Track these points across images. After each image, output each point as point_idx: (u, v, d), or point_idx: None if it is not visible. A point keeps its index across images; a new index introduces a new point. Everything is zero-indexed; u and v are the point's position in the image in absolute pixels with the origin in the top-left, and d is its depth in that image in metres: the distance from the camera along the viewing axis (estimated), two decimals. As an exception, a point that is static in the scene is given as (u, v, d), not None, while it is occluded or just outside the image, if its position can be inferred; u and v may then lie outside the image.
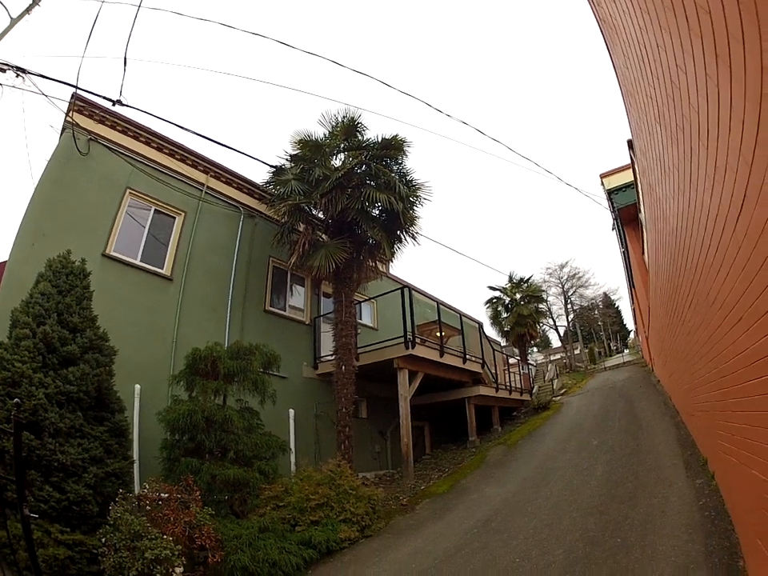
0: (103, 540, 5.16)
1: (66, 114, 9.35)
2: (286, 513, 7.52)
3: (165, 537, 5.36)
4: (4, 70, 7.59)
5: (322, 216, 12.30)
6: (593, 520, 6.42)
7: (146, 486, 6.19)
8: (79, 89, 8.50)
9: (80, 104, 9.51)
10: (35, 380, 5.36)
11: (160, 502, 6.00)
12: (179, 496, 6.16)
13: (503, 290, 32.56)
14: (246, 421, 8.05)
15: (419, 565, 6.19)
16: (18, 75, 7.69)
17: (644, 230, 11.25)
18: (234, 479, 7.19)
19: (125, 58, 8.12)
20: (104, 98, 8.43)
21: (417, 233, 12.50)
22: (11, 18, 7.79)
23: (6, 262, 8.39)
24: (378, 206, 11.75)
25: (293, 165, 12.13)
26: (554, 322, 50.18)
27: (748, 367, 3.20)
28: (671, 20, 2.59)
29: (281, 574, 6.09)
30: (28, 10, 8.06)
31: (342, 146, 12.15)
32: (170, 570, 5.24)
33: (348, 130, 11.92)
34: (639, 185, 9.64)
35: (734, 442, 4.28)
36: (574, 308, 51.03)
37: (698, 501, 5.99)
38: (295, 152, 12.18)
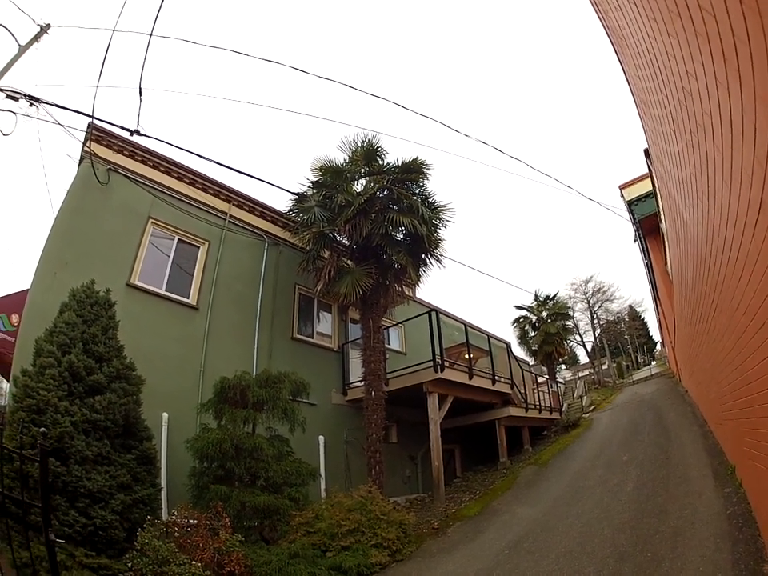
0: (129, 565, 5.19)
1: (84, 144, 9.47)
2: (317, 538, 7.47)
3: (193, 563, 5.39)
4: (17, 99, 7.73)
5: (346, 242, 12.37)
6: (623, 536, 6.32)
7: (175, 512, 6.24)
8: (95, 118, 8.58)
9: (97, 134, 9.65)
10: (61, 408, 5.47)
11: (189, 529, 6.05)
12: (208, 522, 6.20)
13: (529, 309, 32.39)
14: (275, 448, 8.09)
15: (452, 587, 6.11)
16: (31, 104, 7.83)
17: (665, 239, 11.16)
18: (264, 506, 7.20)
19: (140, 88, 8.22)
20: (121, 127, 8.46)
21: (441, 255, 12.53)
22: (19, 45, 8.01)
23: (28, 290, 8.61)
24: (402, 230, 11.80)
25: (315, 191, 12.23)
26: (581, 338, 49.62)
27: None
28: (678, 26, 2.61)
29: (311, 599, 6.05)
30: (37, 38, 8.28)
31: (363, 170, 12.28)
32: (199, 595, 5.26)
33: (368, 154, 12.05)
34: (658, 193, 9.58)
35: (760, 449, 4.26)
36: (600, 323, 50.39)
37: (726, 510, 5.93)
38: (316, 178, 12.32)
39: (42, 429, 3.16)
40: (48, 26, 8.64)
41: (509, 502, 10.12)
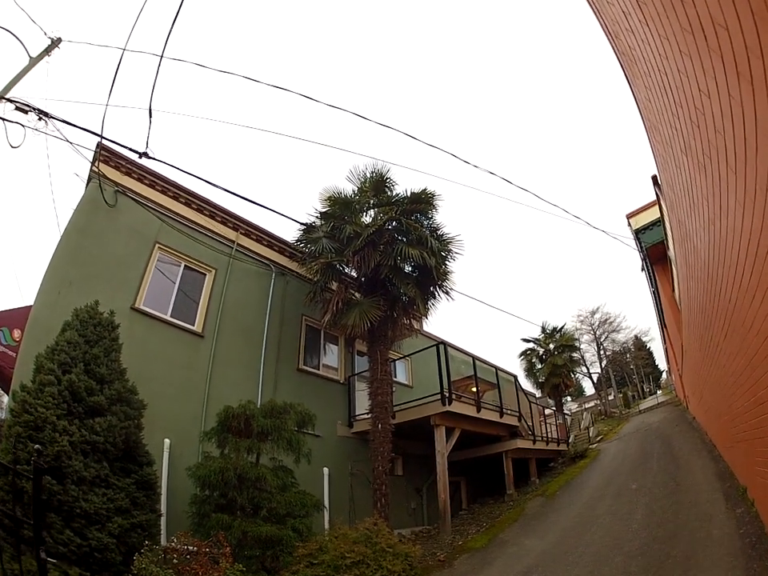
0: None
1: (92, 164, 9.47)
2: (320, 570, 7.24)
3: (191, 591, 5.28)
4: (26, 111, 7.74)
5: (354, 274, 12.37)
6: (635, 563, 6.23)
7: (174, 539, 6.11)
8: (104, 138, 8.52)
9: (106, 154, 9.68)
10: (59, 427, 5.40)
11: (188, 556, 5.91)
12: (208, 550, 6.07)
13: (536, 341, 32.29)
14: (279, 479, 7.98)
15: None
16: (40, 118, 7.82)
17: (673, 266, 11.19)
18: (267, 537, 7.04)
19: (150, 110, 8.16)
20: (130, 149, 8.46)
21: (450, 288, 12.52)
22: (30, 57, 8.07)
23: (31, 306, 8.60)
24: (410, 262, 11.78)
25: (323, 222, 12.28)
26: (588, 369, 49.39)
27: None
28: (690, 42, 2.62)
29: (313, 633, 5.87)
30: (47, 51, 8.33)
31: (372, 201, 12.36)
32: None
33: (377, 185, 12.17)
34: (667, 220, 9.65)
35: None
36: (607, 353, 50.10)
37: (738, 529, 5.88)
38: (324, 209, 12.40)
39: (37, 446, 3.12)
40: (59, 39, 8.71)
41: (516, 533, 9.91)
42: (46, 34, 8.58)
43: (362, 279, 12.24)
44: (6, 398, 10.89)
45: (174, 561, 5.72)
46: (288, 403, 8.67)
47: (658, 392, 46.52)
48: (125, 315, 8.56)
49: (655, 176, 9.48)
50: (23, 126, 7.72)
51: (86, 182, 9.93)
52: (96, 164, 9.35)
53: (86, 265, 9.00)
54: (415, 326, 13.90)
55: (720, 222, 3.71)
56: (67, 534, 4.96)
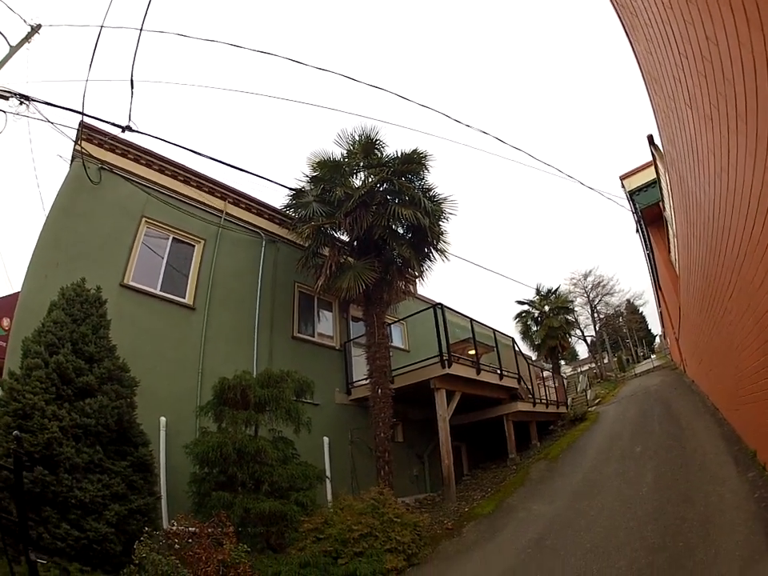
0: None
1: (75, 143, 9.25)
2: (328, 545, 7.09)
3: (196, 578, 5.02)
4: (7, 98, 7.60)
5: (345, 238, 12.18)
6: (650, 527, 6.09)
7: (175, 522, 5.85)
8: (86, 115, 8.48)
9: (89, 132, 9.43)
10: (48, 412, 5.11)
11: (190, 540, 5.65)
12: (210, 531, 5.80)
13: (531, 303, 32.26)
14: (280, 451, 7.72)
15: (474, 592, 5.77)
16: (21, 103, 7.69)
17: (670, 227, 11.08)
18: (270, 512, 6.80)
19: (131, 80, 8.05)
20: (113, 124, 8.36)
21: (445, 249, 12.28)
22: (10, 45, 7.89)
23: (18, 293, 8.37)
24: (404, 223, 11.57)
25: (312, 186, 12.00)
26: (582, 332, 49.46)
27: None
28: None
29: (325, 611, 5.66)
30: (27, 38, 8.20)
31: (362, 164, 12.03)
32: (206, 613, 4.88)
33: (366, 147, 11.81)
34: (664, 180, 9.47)
35: None
36: (600, 317, 50.39)
37: (753, 494, 5.73)
38: (314, 173, 12.08)
39: (15, 432, 2.79)
40: (39, 26, 8.63)
41: (523, 498, 9.81)
42: (26, 21, 8.45)
43: (355, 243, 12.08)
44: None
45: (177, 546, 5.46)
46: (285, 371, 8.38)
47: (653, 356, 47.11)
48: (114, 293, 8.25)
49: (650, 136, 9.29)
50: (4, 112, 7.65)
51: (69, 161, 9.65)
52: (79, 142, 9.13)
53: (73, 245, 8.73)
54: (411, 289, 13.82)
55: (728, 174, 3.65)
56: (64, 527, 4.68)
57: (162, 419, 8.28)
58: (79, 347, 5.80)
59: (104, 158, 9.69)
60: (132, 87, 8.09)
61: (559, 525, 7.51)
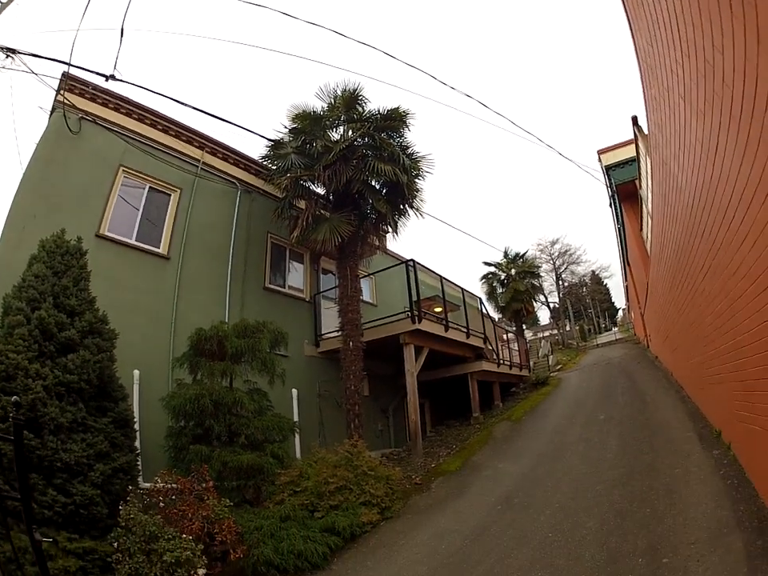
0: (116, 545, 4.77)
1: (57, 93, 8.94)
2: (304, 498, 7.18)
3: (183, 536, 4.97)
4: None
5: (322, 191, 12.03)
6: (617, 492, 6.30)
7: (158, 479, 5.78)
8: (72, 65, 8.25)
9: (71, 83, 9.10)
10: (31, 371, 4.90)
11: (173, 497, 5.61)
12: (193, 487, 5.77)
13: (498, 266, 32.37)
14: (255, 403, 7.68)
15: (449, 545, 5.96)
16: (7, 56, 7.42)
17: (644, 205, 11.26)
18: (248, 465, 6.81)
19: (122, 29, 7.81)
20: (97, 73, 8.16)
21: (420, 206, 12.29)
22: (1, 2, 7.30)
23: None
24: (382, 179, 11.43)
25: (292, 138, 11.72)
26: (546, 298, 50.38)
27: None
28: (712, 3, 2.63)
29: (307, 564, 5.75)
30: None
31: (343, 117, 11.75)
32: (192, 572, 4.86)
33: (348, 102, 11.50)
34: (643, 160, 9.57)
35: (754, 410, 4.30)
36: (565, 285, 51.32)
37: (718, 470, 5.90)
38: (294, 125, 11.75)
39: (14, 398, 2.60)
40: None
41: (489, 457, 10.11)
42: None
43: (331, 196, 11.94)
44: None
45: (161, 504, 5.42)
46: (261, 322, 8.34)
47: (615, 329, 48.30)
48: (90, 243, 7.83)
49: (635, 117, 9.36)
50: None
51: (50, 112, 9.28)
52: (61, 92, 8.81)
53: (50, 196, 8.42)
54: (384, 244, 14.09)
55: (713, 166, 3.76)
56: (50, 493, 4.54)
57: (136, 372, 8.10)
58: (60, 301, 5.54)
59: (85, 108, 9.39)
60: (122, 35, 7.88)
61: (527, 484, 7.75)
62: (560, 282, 50.16)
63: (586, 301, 58.65)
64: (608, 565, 4.42)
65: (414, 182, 11.83)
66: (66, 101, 8.86)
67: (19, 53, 7.51)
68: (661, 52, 4.58)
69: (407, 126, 11.72)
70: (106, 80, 8.10)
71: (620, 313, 55.07)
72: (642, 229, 13.22)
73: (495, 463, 9.47)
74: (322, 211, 11.82)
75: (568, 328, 48.64)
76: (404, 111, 11.43)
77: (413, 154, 11.93)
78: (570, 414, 12.19)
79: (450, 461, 10.38)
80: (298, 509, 6.83)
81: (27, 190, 8.32)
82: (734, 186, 3.38)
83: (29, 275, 5.58)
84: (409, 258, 12.58)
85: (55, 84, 8.96)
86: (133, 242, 9.38)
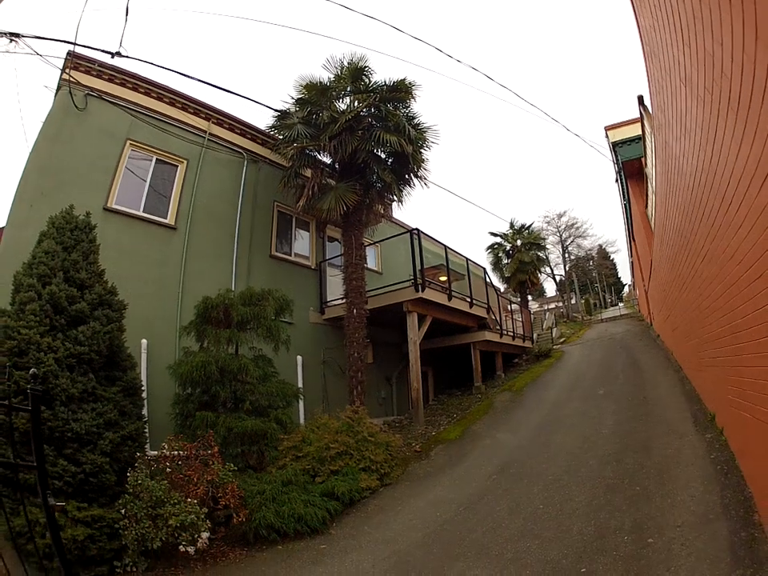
0: (123, 511, 4.98)
1: (63, 71, 9.00)
2: (306, 463, 7.41)
3: (188, 500, 5.20)
4: None
5: (328, 160, 12.01)
6: (610, 468, 6.47)
7: (165, 445, 6.00)
8: (77, 45, 8.45)
9: (77, 61, 9.11)
10: (43, 345, 5.04)
11: (179, 462, 5.83)
12: (198, 453, 5.99)
13: (504, 237, 32.17)
14: (260, 369, 7.89)
15: (444, 513, 6.20)
16: (11, 41, 7.57)
17: (649, 183, 11.15)
18: (252, 431, 7.03)
19: (126, 7, 8.02)
20: (103, 51, 8.33)
21: (425, 176, 12.28)
22: None
23: (2, 228, 8.05)
24: (387, 149, 11.46)
25: (298, 109, 11.69)
26: (552, 270, 50.17)
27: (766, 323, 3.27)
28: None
29: (306, 528, 6.00)
30: None
31: (349, 88, 11.66)
32: (196, 535, 5.09)
33: (354, 73, 11.42)
34: (649, 140, 9.47)
35: (746, 397, 4.31)
36: (571, 258, 51.03)
37: (709, 454, 5.99)
38: (300, 96, 11.68)
39: (32, 370, 2.70)
40: None
41: (488, 426, 10.36)
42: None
43: (337, 165, 11.92)
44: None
45: (168, 470, 5.63)
46: (266, 290, 8.50)
47: (620, 304, 48.03)
48: (98, 217, 7.91)
49: (641, 96, 9.23)
50: None
51: (55, 91, 9.31)
52: (67, 70, 8.84)
53: (58, 173, 8.50)
54: (389, 212, 14.06)
55: (712, 151, 3.75)
56: (61, 463, 4.72)
57: (144, 341, 8.30)
58: (71, 275, 5.65)
59: (91, 85, 9.43)
60: (127, 14, 8.09)
61: (524, 455, 7.98)
62: (566, 255, 49.89)
63: (592, 275, 58.25)
64: (595, 540, 4.57)
65: (420, 152, 11.80)
66: (71, 78, 8.87)
67: (23, 36, 7.64)
68: (663, 37, 4.54)
69: (413, 98, 11.64)
70: (112, 57, 8.22)
71: (626, 288, 54.73)
72: (647, 206, 13.13)
73: (494, 433, 9.71)
74: (328, 180, 11.87)
75: (573, 301, 48.43)
76: (410, 83, 11.33)
77: (419, 124, 11.89)
78: (570, 388, 12.36)
79: (450, 429, 10.65)
80: (300, 473, 7.06)
81: (34, 167, 8.41)
82: (731, 173, 3.38)
83: (39, 252, 5.67)
84: (413, 227, 12.61)
85: (60, 64, 9.03)
86: (140, 213, 9.48)
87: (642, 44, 6.41)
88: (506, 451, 8.35)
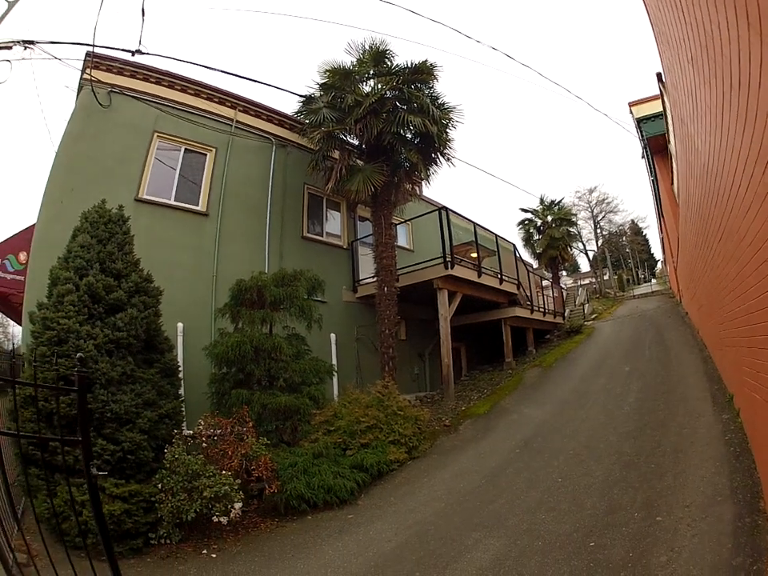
0: (159, 486, 5.29)
1: (83, 72, 9.26)
2: (337, 437, 7.72)
3: (223, 472, 5.54)
4: (10, 47, 7.54)
5: (354, 142, 12.13)
6: (628, 444, 6.61)
7: (201, 422, 6.37)
8: (95, 46, 8.52)
9: (96, 60, 9.37)
10: (83, 333, 5.38)
11: (215, 438, 6.19)
12: (233, 428, 6.33)
13: (535, 213, 31.93)
14: (293, 347, 8.13)
15: (467, 484, 6.47)
16: (26, 48, 7.67)
17: (673, 160, 10.87)
18: (285, 407, 7.31)
19: (142, 9, 7.98)
20: (122, 50, 8.41)
21: (451, 155, 12.29)
22: (8, 1, 7.45)
23: (34, 225, 8.47)
24: (412, 130, 11.51)
25: (322, 93, 11.83)
26: (584, 246, 49.24)
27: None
28: None
29: (335, 499, 6.35)
30: None
31: (372, 72, 11.75)
32: (229, 506, 5.43)
33: (376, 57, 11.49)
34: (669, 116, 9.23)
35: (759, 379, 4.25)
36: (603, 233, 49.86)
37: (724, 435, 6.00)
38: (324, 81, 11.81)
39: (79, 354, 2.94)
40: None
41: (516, 401, 10.52)
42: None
43: (364, 147, 12.02)
44: (11, 329, 10.97)
45: (204, 445, 6.01)
46: (298, 270, 8.71)
47: (653, 280, 46.68)
48: (130, 208, 8.23)
49: (659, 73, 8.92)
50: (9, 61, 7.51)
51: (76, 91, 9.63)
52: (87, 70, 9.12)
53: (86, 169, 8.87)
54: (417, 191, 14.04)
55: (721, 132, 3.70)
56: (100, 443, 5.05)
57: (180, 325, 8.69)
58: (107, 266, 5.99)
59: (113, 82, 9.70)
60: (143, 14, 8.05)
61: (547, 429, 8.16)
62: (598, 231, 48.73)
63: (625, 251, 56.73)
64: (606, 515, 4.74)
65: (445, 131, 11.82)
66: (92, 78, 9.12)
67: (38, 42, 7.75)
68: (668, 18, 4.50)
69: (435, 78, 11.63)
70: (132, 55, 8.29)
71: (659, 265, 53.03)
72: (672, 183, 12.77)
73: (521, 408, 9.88)
74: (356, 161, 12.01)
75: (606, 277, 47.45)
76: (431, 64, 11.33)
77: (443, 105, 11.87)
78: (598, 364, 12.33)
79: (479, 404, 10.85)
80: (331, 447, 7.41)
81: (62, 164, 8.80)
82: (737, 156, 3.35)
83: (74, 246, 6.01)
84: (441, 206, 12.67)
85: (79, 65, 9.29)
86: (172, 202, 9.81)
87: (652, 24, 6.35)
88: (531, 426, 8.53)
